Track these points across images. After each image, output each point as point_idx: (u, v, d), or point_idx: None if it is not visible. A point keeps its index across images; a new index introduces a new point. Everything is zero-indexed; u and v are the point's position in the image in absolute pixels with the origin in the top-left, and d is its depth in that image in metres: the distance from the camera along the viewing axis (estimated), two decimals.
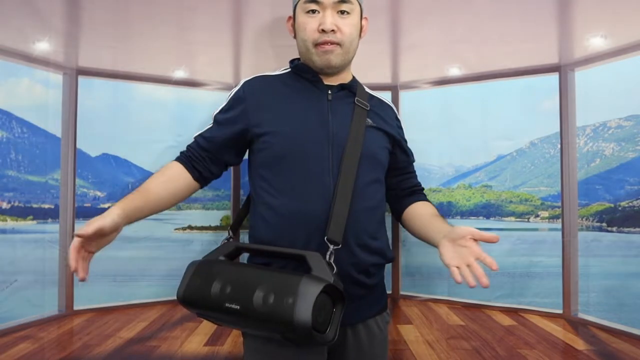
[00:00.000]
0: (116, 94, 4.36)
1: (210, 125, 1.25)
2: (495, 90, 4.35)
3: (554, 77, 4.00)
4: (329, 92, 1.20)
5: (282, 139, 1.14)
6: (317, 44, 1.16)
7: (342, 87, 1.23)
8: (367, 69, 4.24)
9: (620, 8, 2.98)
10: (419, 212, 1.27)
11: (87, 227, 0.96)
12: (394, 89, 4.65)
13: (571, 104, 3.92)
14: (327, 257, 1.05)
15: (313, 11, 1.16)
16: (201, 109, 4.49)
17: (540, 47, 3.69)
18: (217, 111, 1.25)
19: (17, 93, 3.87)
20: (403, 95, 4.66)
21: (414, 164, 1.38)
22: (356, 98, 1.22)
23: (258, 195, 1.19)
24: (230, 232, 1.24)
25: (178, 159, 1.24)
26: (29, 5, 2.95)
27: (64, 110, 4.02)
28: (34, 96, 3.96)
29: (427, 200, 1.33)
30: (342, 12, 1.17)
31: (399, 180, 1.32)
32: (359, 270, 1.16)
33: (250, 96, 1.20)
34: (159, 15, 3.12)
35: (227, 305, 0.99)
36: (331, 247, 1.06)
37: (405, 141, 1.34)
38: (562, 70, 3.94)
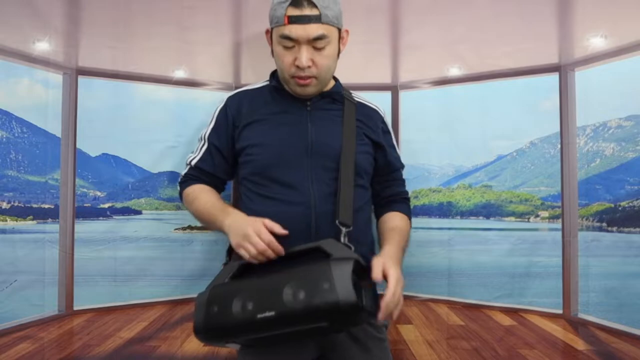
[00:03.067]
0: (116, 94, 4.36)
1: (203, 147, 1.27)
2: (495, 90, 4.35)
3: (554, 77, 4.00)
4: (308, 102, 1.23)
5: (263, 151, 1.18)
6: (293, 77, 1.17)
7: (322, 95, 1.24)
8: (367, 69, 4.24)
9: (620, 8, 2.98)
10: (381, 224, 1.29)
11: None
12: (394, 89, 4.64)
13: (571, 104, 3.92)
14: (342, 239, 1.08)
15: (288, 46, 1.14)
16: (201, 109, 4.48)
17: (540, 47, 3.69)
18: (207, 131, 1.27)
19: (17, 93, 3.87)
20: (403, 95, 4.65)
21: (410, 167, 1.37)
22: (345, 100, 1.24)
23: (244, 203, 1.23)
24: (227, 256, 1.23)
25: (194, 183, 1.27)
26: (29, 5, 2.94)
27: (64, 110, 4.02)
28: (34, 96, 3.96)
29: (400, 210, 1.31)
30: (318, 47, 1.14)
31: (379, 188, 1.31)
32: None
33: (235, 111, 1.24)
34: (158, 15, 3.12)
35: (259, 316, 0.94)
36: (344, 229, 1.10)
37: (393, 147, 1.33)
38: (562, 70, 3.94)
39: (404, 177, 1.38)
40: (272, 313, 0.93)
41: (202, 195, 1.23)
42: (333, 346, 1.20)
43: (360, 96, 1.33)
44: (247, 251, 1.05)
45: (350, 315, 0.93)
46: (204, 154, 1.26)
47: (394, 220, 1.28)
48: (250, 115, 1.22)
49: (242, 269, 1.09)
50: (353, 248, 1.06)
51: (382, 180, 1.31)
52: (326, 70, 1.17)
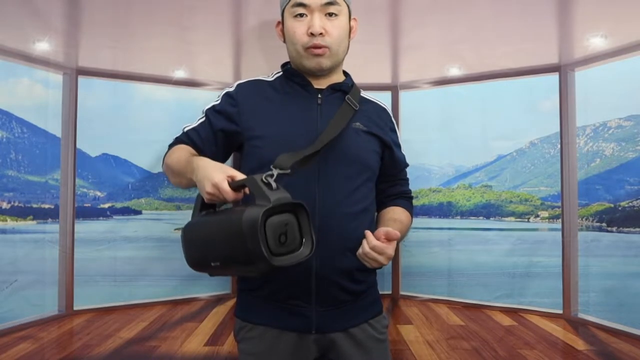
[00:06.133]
0: (116, 94, 4.36)
1: (201, 119, 1.26)
2: (495, 90, 4.35)
3: (554, 77, 4.00)
4: (319, 95, 1.22)
5: (270, 144, 1.15)
6: (306, 48, 1.17)
7: (333, 88, 1.23)
8: (367, 69, 4.24)
9: (620, 8, 2.98)
10: (380, 216, 1.29)
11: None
12: (394, 89, 4.64)
13: (571, 104, 3.92)
14: (264, 177, 0.99)
15: (301, 15, 1.16)
16: (201, 109, 4.46)
17: (540, 47, 3.69)
18: (209, 106, 1.26)
19: (17, 93, 3.87)
20: (403, 95, 4.65)
21: (410, 167, 1.37)
22: (347, 96, 1.23)
23: None
24: None
25: (176, 144, 1.26)
26: (29, 5, 2.95)
27: (64, 110, 4.02)
28: (34, 96, 3.96)
29: (402, 205, 1.31)
30: (330, 14, 1.16)
31: (384, 187, 1.31)
32: (343, 275, 1.16)
33: (243, 99, 1.22)
34: (158, 15, 3.12)
35: (212, 264, 1.02)
36: (275, 171, 1.01)
37: (399, 146, 1.34)
38: (562, 70, 3.94)
39: (407, 176, 1.38)
40: (217, 263, 1.01)
41: (179, 151, 1.20)
42: (332, 347, 1.19)
43: (369, 94, 1.32)
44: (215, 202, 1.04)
45: (268, 265, 0.93)
46: (198, 125, 1.25)
47: (394, 212, 1.28)
48: (258, 105, 1.21)
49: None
50: (274, 186, 0.98)
51: (387, 180, 1.31)
52: (338, 41, 1.18)
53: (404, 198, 1.34)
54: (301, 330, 1.16)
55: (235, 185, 1.01)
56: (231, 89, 1.25)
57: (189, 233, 1.09)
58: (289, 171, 1.03)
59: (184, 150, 1.20)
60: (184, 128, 1.27)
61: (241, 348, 1.21)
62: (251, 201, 0.98)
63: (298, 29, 1.16)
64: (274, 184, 0.98)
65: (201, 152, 1.22)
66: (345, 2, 1.19)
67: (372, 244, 1.06)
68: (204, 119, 1.25)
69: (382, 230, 1.08)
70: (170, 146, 1.27)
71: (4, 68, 3.68)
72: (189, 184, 1.14)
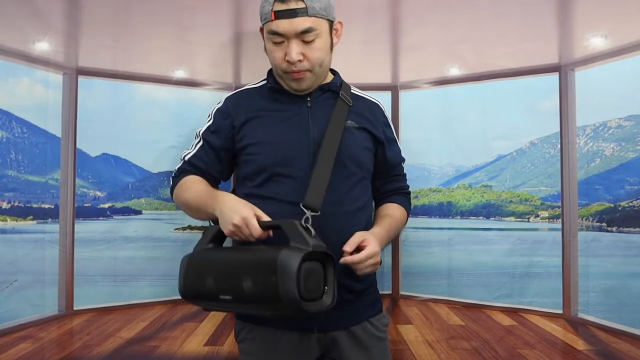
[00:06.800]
0: (116, 94, 4.36)
1: (199, 144, 1.25)
2: (495, 90, 4.35)
3: (554, 77, 3.99)
4: (308, 98, 1.21)
5: (264, 150, 1.16)
6: (286, 72, 1.16)
7: (321, 89, 1.22)
8: (367, 69, 4.24)
9: (620, 8, 2.98)
10: (376, 214, 1.29)
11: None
12: (394, 89, 4.64)
13: (571, 104, 3.92)
14: (302, 222, 1.04)
15: (278, 42, 1.13)
16: (201, 109, 4.48)
17: (540, 47, 3.69)
18: (203, 129, 1.25)
19: (17, 93, 3.88)
20: (403, 95, 4.65)
21: (410, 167, 1.36)
22: (340, 92, 1.22)
23: None
24: (211, 222, 1.22)
25: (182, 176, 1.25)
26: (29, 5, 2.95)
27: (64, 110, 4.01)
28: (34, 96, 3.96)
29: (397, 201, 1.30)
30: (307, 41, 1.12)
31: (380, 184, 1.30)
32: (343, 274, 1.14)
33: (234, 110, 1.22)
34: (159, 15, 3.13)
35: (221, 297, 1.03)
36: (308, 212, 1.06)
37: (394, 141, 1.32)
38: (562, 70, 3.94)
39: (404, 171, 1.36)
40: (229, 297, 1.02)
41: (194, 185, 1.20)
42: (334, 345, 1.19)
43: (360, 91, 1.30)
44: (236, 237, 1.07)
45: (295, 308, 0.96)
46: (198, 150, 1.24)
47: (388, 208, 1.27)
48: (248, 114, 1.20)
49: (221, 234, 1.13)
50: (313, 233, 1.02)
51: (383, 176, 1.30)
52: (319, 63, 1.15)
53: (400, 194, 1.33)
54: (303, 330, 1.16)
55: (265, 225, 1.04)
56: (220, 105, 1.25)
57: (196, 262, 1.09)
58: (319, 213, 1.08)
59: (198, 183, 1.21)
60: (183, 156, 1.26)
61: (242, 348, 1.21)
62: (275, 243, 1.03)
63: (276, 53, 1.14)
64: (312, 231, 1.03)
65: (208, 176, 1.23)
66: (325, 18, 1.14)
67: (351, 260, 1.07)
68: (201, 142, 1.24)
69: (346, 246, 1.08)
70: (175, 178, 1.26)
71: (4, 68, 3.69)
72: (208, 217, 1.16)
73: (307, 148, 1.16)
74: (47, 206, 4.00)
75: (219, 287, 1.03)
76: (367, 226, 1.21)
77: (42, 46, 3.58)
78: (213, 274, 1.05)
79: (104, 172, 4.47)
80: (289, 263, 0.94)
